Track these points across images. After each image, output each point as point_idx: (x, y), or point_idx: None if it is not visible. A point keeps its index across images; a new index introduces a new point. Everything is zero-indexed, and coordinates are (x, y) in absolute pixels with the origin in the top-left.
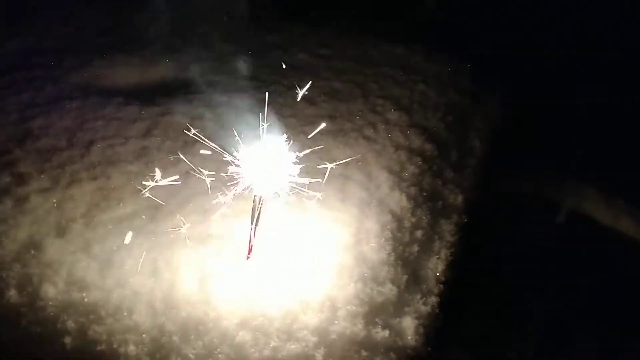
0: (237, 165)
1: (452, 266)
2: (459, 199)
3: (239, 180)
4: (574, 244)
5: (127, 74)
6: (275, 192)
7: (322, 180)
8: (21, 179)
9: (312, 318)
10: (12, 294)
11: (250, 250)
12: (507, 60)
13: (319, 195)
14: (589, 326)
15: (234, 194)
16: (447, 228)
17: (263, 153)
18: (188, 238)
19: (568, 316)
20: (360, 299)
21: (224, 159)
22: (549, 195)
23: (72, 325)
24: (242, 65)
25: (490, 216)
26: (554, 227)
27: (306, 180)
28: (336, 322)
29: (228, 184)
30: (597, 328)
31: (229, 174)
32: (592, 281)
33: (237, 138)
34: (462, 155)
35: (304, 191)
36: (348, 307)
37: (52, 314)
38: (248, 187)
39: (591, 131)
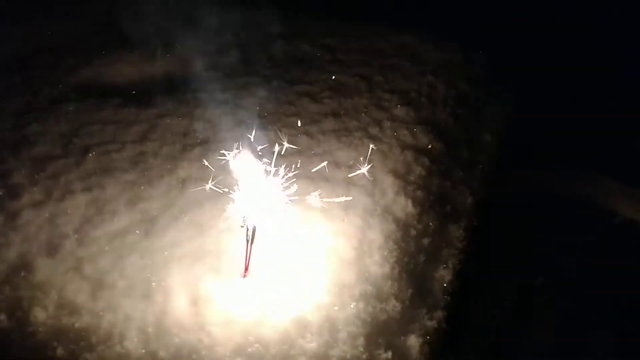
0: (230, 197)
1: (461, 275)
2: (469, 200)
3: (232, 211)
4: (593, 240)
5: (126, 71)
6: (271, 216)
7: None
8: (14, 192)
9: (310, 342)
10: (2, 318)
11: (246, 269)
12: (521, 47)
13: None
14: (608, 325)
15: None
16: (456, 234)
17: (256, 182)
18: (182, 256)
19: (585, 320)
20: (362, 319)
21: (222, 163)
22: (565, 192)
23: (63, 352)
24: (244, 59)
25: (502, 217)
26: (570, 225)
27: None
28: (336, 345)
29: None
30: (617, 323)
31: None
32: (611, 275)
33: (233, 155)
34: (472, 153)
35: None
36: (349, 329)
37: (42, 340)
38: (242, 218)
39: (611, 121)
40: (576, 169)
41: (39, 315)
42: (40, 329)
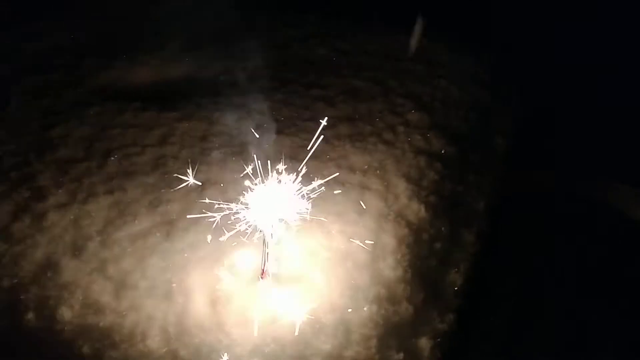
0: (245, 206)
1: (472, 279)
2: (481, 204)
3: (246, 219)
4: (604, 245)
5: (146, 74)
6: (286, 223)
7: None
8: (40, 194)
9: (324, 343)
10: (31, 317)
11: (263, 272)
12: (529, 50)
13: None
14: (608, 325)
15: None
16: (468, 238)
17: (271, 192)
18: (202, 258)
19: (585, 320)
20: (374, 321)
21: (237, 165)
22: (566, 192)
23: (88, 350)
24: (260, 63)
25: (509, 220)
26: (580, 226)
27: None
28: (349, 347)
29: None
30: (617, 323)
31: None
32: (611, 275)
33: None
34: (484, 156)
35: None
36: (362, 331)
37: (68, 338)
38: (257, 227)
39: (621, 124)
40: (578, 169)
41: (65, 314)
42: (66, 327)
